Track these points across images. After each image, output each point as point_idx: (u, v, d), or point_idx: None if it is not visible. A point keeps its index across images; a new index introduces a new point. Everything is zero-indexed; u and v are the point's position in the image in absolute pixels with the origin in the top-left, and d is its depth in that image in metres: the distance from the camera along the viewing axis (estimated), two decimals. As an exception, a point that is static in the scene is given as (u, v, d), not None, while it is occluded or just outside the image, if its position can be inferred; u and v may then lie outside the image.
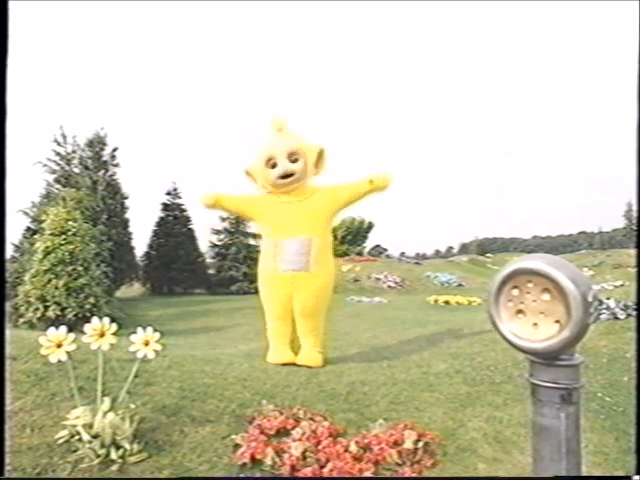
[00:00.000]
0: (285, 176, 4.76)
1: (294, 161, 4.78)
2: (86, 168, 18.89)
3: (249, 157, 5.16)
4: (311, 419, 2.91)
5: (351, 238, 32.92)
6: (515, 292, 1.50)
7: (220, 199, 5.05)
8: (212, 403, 3.11)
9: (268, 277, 4.92)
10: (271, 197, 5.00)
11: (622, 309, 5.31)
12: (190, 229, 23.55)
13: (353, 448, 2.54)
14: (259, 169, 4.91)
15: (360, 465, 2.40)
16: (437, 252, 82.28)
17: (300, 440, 2.57)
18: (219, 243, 23.61)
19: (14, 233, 16.28)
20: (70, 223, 10.75)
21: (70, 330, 2.41)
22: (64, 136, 19.04)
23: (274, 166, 4.78)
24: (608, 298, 5.77)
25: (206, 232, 23.74)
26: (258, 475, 2.35)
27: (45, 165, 18.62)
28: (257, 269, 5.18)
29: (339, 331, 8.37)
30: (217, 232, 23.76)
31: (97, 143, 19.37)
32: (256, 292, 5.30)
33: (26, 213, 16.94)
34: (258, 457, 2.42)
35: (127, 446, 2.33)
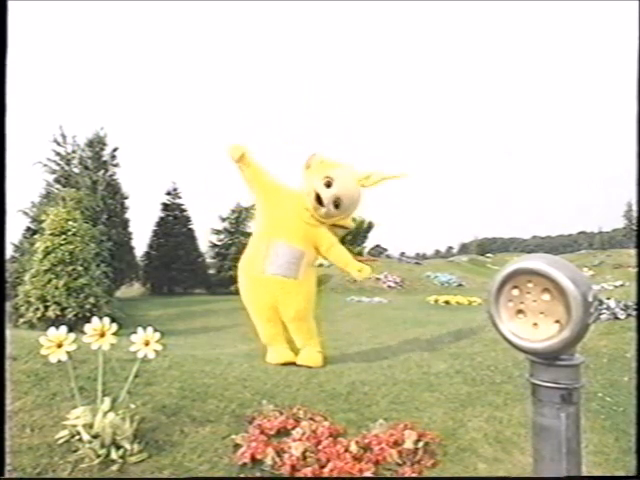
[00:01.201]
0: (319, 200, 4.69)
1: (335, 205, 4.72)
2: (86, 168, 18.89)
3: (327, 154, 4.98)
4: (311, 419, 2.91)
5: (351, 238, 32.82)
6: (515, 292, 1.50)
7: (247, 156, 4.79)
8: (212, 403, 3.11)
9: (255, 279, 4.81)
10: (289, 195, 4.93)
11: (622, 309, 5.31)
12: (190, 229, 23.56)
13: (353, 448, 2.54)
14: (318, 170, 4.82)
15: (360, 465, 2.40)
16: (437, 252, 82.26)
17: (300, 440, 2.57)
18: (219, 243, 23.62)
19: (14, 233, 16.30)
20: (70, 223, 10.75)
21: (70, 330, 2.41)
22: (64, 136, 19.05)
23: (328, 185, 4.70)
24: (608, 298, 5.77)
25: (206, 232, 23.78)
26: (258, 475, 2.35)
27: (45, 165, 18.63)
28: (239, 267, 5.04)
29: (339, 331, 8.37)
30: (217, 232, 23.78)
31: (97, 143, 19.38)
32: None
33: (26, 213, 16.95)
34: (258, 457, 2.42)
35: (127, 446, 2.33)
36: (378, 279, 20.24)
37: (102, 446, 2.28)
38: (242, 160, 4.78)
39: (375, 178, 4.91)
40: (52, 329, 2.38)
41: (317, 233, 4.89)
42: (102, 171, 19.19)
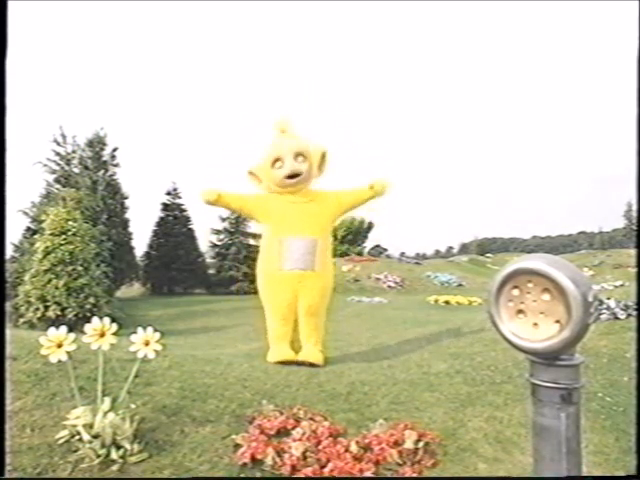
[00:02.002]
0: (292, 176, 4.79)
1: (300, 162, 4.82)
2: (86, 168, 18.90)
3: (252, 158, 5.19)
4: (311, 419, 2.91)
5: (351, 238, 32.93)
6: (515, 292, 1.50)
7: (222, 195, 4.99)
8: (212, 403, 3.11)
9: (272, 276, 4.89)
10: (275, 197, 5.01)
11: (622, 309, 5.31)
12: (190, 229, 23.57)
13: (353, 448, 2.54)
14: (265, 169, 4.94)
15: (360, 465, 2.40)
16: (437, 252, 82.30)
17: (300, 440, 2.57)
18: (219, 243, 23.62)
19: (14, 233, 16.31)
20: (70, 223, 10.76)
21: (70, 330, 2.41)
22: (64, 136, 19.05)
23: (281, 167, 4.80)
24: (608, 298, 5.77)
25: (206, 232, 23.78)
26: (258, 475, 2.35)
27: (45, 165, 18.64)
28: (257, 269, 5.17)
29: (339, 331, 8.37)
30: (217, 232, 23.78)
31: (97, 143, 19.39)
32: (256, 292, 5.27)
33: (26, 213, 16.95)
34: (258, 457, 2.42)
35: (127, 446, 2.33)
36: (378, 279, 20.26)
37: (102, 446, 2.28)
38: (219, 201, 4.98)
39: (282, 122, 5.07)
40: (52, 329, 2.37)
41: (320, 204, 4.97)
42: (102, 171, 19.20)
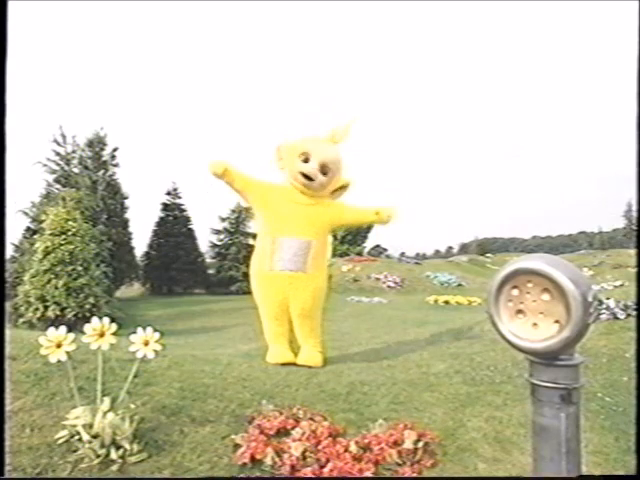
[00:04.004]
0: (307, 177, 4.72)
1: (322, 173, 4.75)
2: (86, 168, 18.91)
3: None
4: (311, 419, 2.91)
5: (351, 238, 32.92)
6: (515, 292, 1.50)
7: (229, 170, 4.75)
8: (212, 403, 3.11)
9: (263, 276, 4.84)
10: (278, 190, 4.95)
11: (622, 309, 5.31)
12: (190, 229, 23.58)
13: (353, 448, 2.54)
14: (290, 153, 4.86)
15: (360, 465, 2.40)
16: (437, 252, 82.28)
17: (300, 440, 2.57)
18: (219, 243, 23.62)
19: (14, 233, 16.32)
20: (70, 223, 10.76)
21: (70, 330, 2.40)
22: (64, 136, 19.07)
23: (306, 161, 4.74)
24: (608, 298, 5.77)
25: (206, 232, 23.80)
26: (258, 475, 2.35)
27: (45, 165, 18.66)
28: (249, 268, 5.11)
29: (339, 331, 8.36)
30: (217, 232, 23.78)
31: (97, 143, 19.41)
32: (256, 292, 5.25)
33: (26, 213, 16.96)
34: (258, 457, 2.42)
35: (127, 446, 2.33)
36: (378, 279, 20.25)
37: (102, 446, 2.28)
38: (226, 175, 4.77)
39: (342, 132, 4.99)
40: (52, 329, 2.37)
41: (321, 210, 4.91)
42: (102, 171, 19.23)
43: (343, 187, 5.08)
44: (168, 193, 23.76)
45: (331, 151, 4.89)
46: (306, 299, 4.76)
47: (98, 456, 2.25)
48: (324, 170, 4.75)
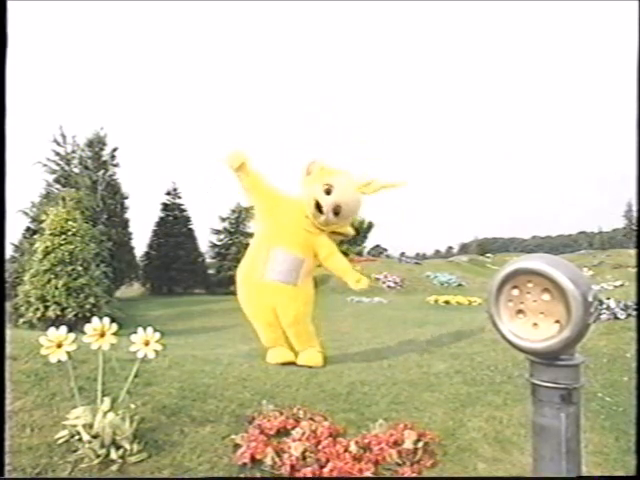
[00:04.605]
0: (318, 207, 4.70)
1: (335, 212, 4.72)
2: (86, 168, 18.92)
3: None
4: (311, 419, 2.91)
5: (351, 238, 32.88)
6: (515, 292, 1.50)
7: (247, 165, 4.67)
8: (212, 403, 3.11)
9: (253, 284, 4.82)
10: (289, 204, 4.93)
11: (622, 309, 5.31)
12: (190, 229, 23.58)
13: (353, 448, 2.54)
14: (317, 178, 4.81)
15: (360, 465, 2.40)
16: (437, 252, 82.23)
17: (300, 440, 2.57)
18: (219, 243, 23.62)
19: (14, 233, 16.32)
20: (70, 223, 10.76)
21: (70, 330, 2.40)
22: (64, 136, 19.07)
23: (328, 192, 4.69)
24: (608, 298, 5.77)
25: (206, 232, 23.80)
26: (258, 475, 2.35)
27: (45, 165, 18.66)
28: (237, 272, 5.06)
29: (339, 331, 8.37)
30: (217, 232, 23.78)
31: (97, 143, 19.41)
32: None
33: (26, 213, 16.96)
34: (258, 457, 2.42)
35: (127, 446, 2.33)
36: (378, 279, 20.24)
37: (102, 446, 2.28)
38: (242, 169, 4.67)
39: (375, 186, 4.92)
40: (52, 329, 2.37)
41: (316, 241, 4.89)
42: (102, 171, 19.23)
43: (342, 234, 5.10)
44: (168, 193, 23.77)
45: (354, 197, 4.85)
46: (298, 307, 4.79)
47: (98, 456, 2.25)
48: (337, 210, 4.71)
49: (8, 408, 2.54)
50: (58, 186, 18.21)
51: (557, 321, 1.40)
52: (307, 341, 4.88)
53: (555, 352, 1.41)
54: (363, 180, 4.91)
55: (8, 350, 3.11)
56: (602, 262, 26.87)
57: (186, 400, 3.08)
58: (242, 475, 2.34)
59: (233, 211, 23.48)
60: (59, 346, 2.35)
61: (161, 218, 23.41)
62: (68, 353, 2.36)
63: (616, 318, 5.20)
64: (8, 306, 9.97)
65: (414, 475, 2.43)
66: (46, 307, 9.86)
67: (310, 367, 4.57)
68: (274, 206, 4.92)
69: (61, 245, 10.41)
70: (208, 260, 23.99)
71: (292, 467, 2.37)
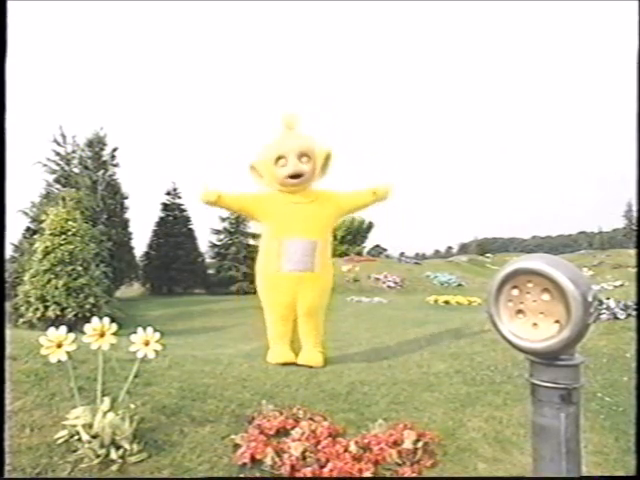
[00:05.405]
0: (295, 176, 4.75)
1: (304, 162, 4.77)
2: (86, 168, 18.91)
3: (256, 152, 5.05)
4: (311, 419, 2.91)
5: (351, 238, 32.93)
6: (515, 292, 1.49)
7: (222, 196, 4.89)
8: (212, 403, 3.11)
9: (271, 277, 4.87)
10: (276, 196, 4.97)
11: (622, 309, 5.31)
12: (190, 229, 23.57)
13: (353, 448, 2.54)
14: (267, 166, 4.87)
15: (360, 465, 2.40)
16: (437, 252, 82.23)
17: (300, 440, 2.57)
18: (219, 243, 23.61)
19: (14, 233, 16.31)
20: (70, 223, 10.77)
21: (70, 330, 2.40)
22: (64, 136, 19.07)
23: (284, 165, 4.75)
24: (608, 298, 5.77)
25: (206, 232, 23.79)
26: (258, 475, 2.35)
27: (45, 165, 18.66)
28: (255, 269, 5.14)
29: (339, 331, 8.37)
30: (217, 232, 23.77)
31: (97, 143, 19.41)
32: (256, 292, 5.26)
33: (26, 213, 16.96)
34: (258, 457, 2.42)
35: (127, 446, 2.33)
36: (377, 279, 20.25)
37: (101, 446, 2.28)
38: (219, 201, 4.90)
39: (291, 116, 4.98)
40: (52, 329, 2.37)
41: (322, 206, 4.93)
42: (102, 171, 19.23)
43: (327, 158, 5.05)
44: (168, 193, 23.76)
45: (298, 139, 4.89)
46: (313, 297, 4.82)
47: (98, 456, 2.25)
48: (304, 159, 4.77)
49: (8, 408, 2.53)
50: (58, 186, 18.21)
51: (557, 321, 1.40)
52: (312, 335, 4.90)
53: (555, 352, 1.41)
54: (283, 122, 4.96)
55: (8, 350, 3.11)
56: (602, 262, 26.86)
57: (186, 400, 3.08)
58: (242, 475, 2.34)
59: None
60: (59, 346, 2.35)
61: (161, 218, 23.40)
62: (68, 353, 2.36)
63: (616, 318, 5.20)
64: (8, 306, 9.97)
65: (414, 475, 2.43)
66: (46, 307, 9.86)
67: (310, 367, 4.57)
68: (267, 206, 4.97)
69: (61, 245, 10.42)
70: (208, 260, 23.98)
71: (292, 467, 2.37)
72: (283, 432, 2.74)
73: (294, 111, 5.07)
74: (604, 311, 5.32)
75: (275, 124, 5.10)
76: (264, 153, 4.95)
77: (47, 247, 10.34)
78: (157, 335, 2.54)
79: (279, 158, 4.76)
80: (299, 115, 5.06)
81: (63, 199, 14.72)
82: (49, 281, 10.06)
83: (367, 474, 2.36)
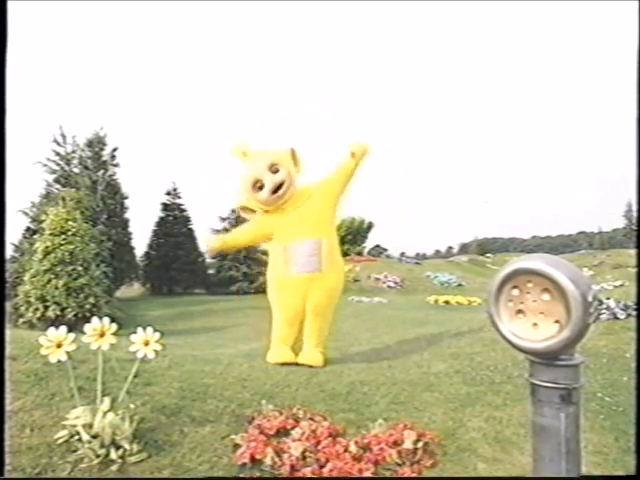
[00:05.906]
0: (276, 189, 4.76)
1: (276, 172, 4.78)
2: (86, 168, 18.90)
3: (234, 196, 5.15)
4: (311, 419, 2.91)
5: (351, 238, 32.90)
6: (515, 292, 1.50)
7: (226, 241, 5.22)
8: (212, 403, 3.11)
9: (280, 281, 4.90)
10: (274, 211, 4.99)
11: (622, 309, 5.31)
12: (190, 229, 23.56)
13: (353, 448, 2.54)
14: (250, 197, 4.91)
15: (360, 465, 2.40)
16: (437, 252, 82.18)
17: (300, 440, 2.57)
18: (219, 243, 23.56)
19: (14, 233, 16.30)
20: (70, 223, 10.76)
21: (70, 330, 2.41)
22: (64, 136, 19.05)
23: (262, 187, 4.77)
24: (608, 298, 5.78)
25: (206, 232, 23.78)
26: (258, 475, 2.35)
27: (45, 165, 18.64)
28: (259, 270, 5.19)
29: (339, 331, 8.35)
30: (217, 232, 23.77)
31: (97, 143, 19.39)
32: (256, 292, 5.31)
33: (26, 213, 16.94)
34: (258, 457, 2.42)
35: (127, 446, 2.33)
36: (378, 279, 20.25)
37: (101, 446, 2.28)
38: (226, 246, 5.27)
39: (240, 147, 5.05)
40: (52, 329, 2.37)
41: (314, 201, 4.93)
42: (102, 171, 19.21)
43: (292, 156, 5.00)
44: (168, 193, 23.76)
45: (260, 157, 4.90)
46: (321, 297, 4.82)
47: (98, 456, 2.25)
48: (275, 169, 4.77)
49: (8, 408, 2.54)
50: (58, 186, 18.19)
51: (557, 321, 1.40)
52: (315, 335, 4.89)
53: (555, 352, 1.41)
54: (236, 153, 5.04)
55: (8, 350, 3.11)
56: (602, 262, 26.87)
57: (186, 400, 3.08)
58: (242, 475, 2.34)
59: (233, 211, 23.44)
60: (59, 346, 2.35)
61: (161, 218, 23.40)
62: (68, 353, 2.36)
63: (616, 318, 5.20)
64: (8, 306, 9.97)
65: (414, 475, 2.43)
66: (46, 307, 9.86)
67: (310, 367, 4.57)
68: (272, 225, 4.99)
69: (61, 245, 10.41)
70: (208, 260, 23.98)
71: (292, 467, 2.37)
72: (283, 432, 2.74)
73: (240, 139, 5.14)
74: (604, 311, 5.33)
75: (232, 161, 5.14)
76: (241, 189, 5.00)
77: (47, 247, 10.34)
78: (157, 335, 2.55)
79: (255, 183, 4.79)
80: (245, 140, 5.14)
81: (63, 199, 14.71)
82: (49, 281, 10.05)
83: (367, 474, 2.36)
